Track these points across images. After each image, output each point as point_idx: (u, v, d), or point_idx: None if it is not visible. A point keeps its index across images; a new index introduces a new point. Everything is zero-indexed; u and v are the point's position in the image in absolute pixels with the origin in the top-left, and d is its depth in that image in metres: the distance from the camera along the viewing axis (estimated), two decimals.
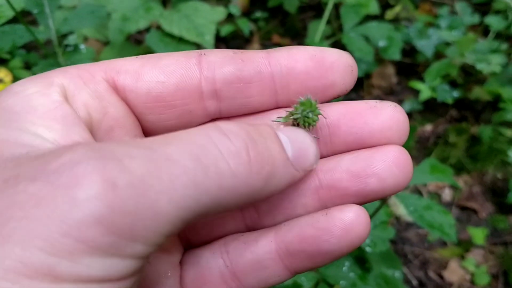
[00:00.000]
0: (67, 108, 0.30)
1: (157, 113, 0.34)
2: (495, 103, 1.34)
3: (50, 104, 0.29)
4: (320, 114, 0.34)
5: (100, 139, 0.32)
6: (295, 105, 0.33)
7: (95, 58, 1.28)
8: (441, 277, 1.18)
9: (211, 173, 0.25)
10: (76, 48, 1.05)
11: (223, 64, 0.34)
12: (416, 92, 1.44)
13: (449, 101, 1.39)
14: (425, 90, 1.39)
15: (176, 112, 0.34)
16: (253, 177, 0.27)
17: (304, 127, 0.34)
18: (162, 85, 0.33)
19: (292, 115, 0.34)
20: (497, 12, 1.49)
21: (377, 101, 0.34)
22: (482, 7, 1.61)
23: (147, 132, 0.35)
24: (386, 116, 0.33)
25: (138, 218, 0.23)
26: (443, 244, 1.24)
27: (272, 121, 0.35)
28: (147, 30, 1.35)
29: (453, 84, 1.43)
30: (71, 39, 1.11)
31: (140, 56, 0.34)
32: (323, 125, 0.35)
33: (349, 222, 0.33)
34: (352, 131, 0.34)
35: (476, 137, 1.35)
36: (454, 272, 1.17)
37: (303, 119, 0.33)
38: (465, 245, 1.22)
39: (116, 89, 0.33)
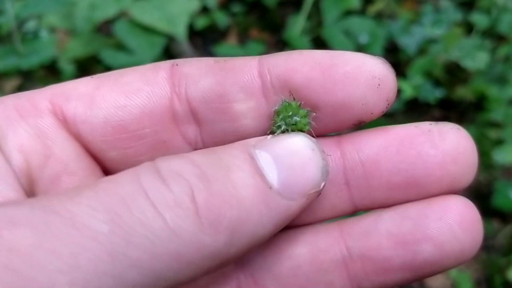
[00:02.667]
0: None
1: (121, 148, 0.25)
2: (479, 103, 1.31)
3: None
4: (308, 112, 0.24)
5: (43, 191, 0.24)
6: (274, 114, 0.25)
7: (59, 47, 1.21)
8: (422, 283, 1.14)
9: (138, 236, 0.18)
10: (36, 35, 0.98)
11: (199, 77, 0.25)
12: (399, 92, 1.39)
13: (432, 100, 1.35)
14: (407, 89, 1.35)
15: (146, 145, 0.25)
16: (206, 232, 0.19)
17: None
18: (123, 110, 0.25)
19: (278, 127, 0.25)
20: (482, 9, 1.46)
21: (432, 123, 0.25)
22: (466, 5, 1.58)
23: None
24: (450, 145, 0.24)
25: None
26: None
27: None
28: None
29: (437, 83, 1.39)
30: (31, 26, 1.04)
31: (98, 75, 0.26)
32: (354, 163, 0.25)
33: None
34: (400, 169, 0.25)
35: None
36: (436, 278, 1.14)
37: (291, 128, 0.24)
38: None
39: (65, 122, 0.25)
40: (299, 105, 0.25)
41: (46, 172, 0.24)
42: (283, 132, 0.25)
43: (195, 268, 0.19)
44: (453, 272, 1.13)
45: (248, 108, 0.25)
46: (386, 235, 0.25)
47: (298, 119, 0.24)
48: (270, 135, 0.25)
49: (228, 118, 0.26)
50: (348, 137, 0.26)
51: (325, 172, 0.23)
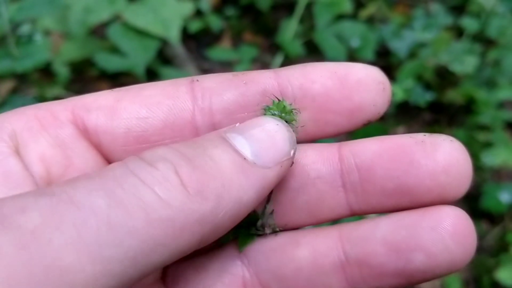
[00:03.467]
0: (12, 163, 0.23)
1: None
2: (469, 106, 1.32)
3: None
4: (293, 108, 0.27)
5: None
6: (263, 109, 0.27)
7: (53, 50, 1.22)
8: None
9: (132, 207, 0.19)
10: (30, 38, 0.99)
11: (222, 90, 0.27)
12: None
13: (423, 104, 1.37)
14: (398, 92, 1.36)
15: None
16: (194, 200, 0.21)
17: None
18: (145, 122, 0.26)
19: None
20: (472, 14, 1.48)
21: (426, 134, 0.26)
22: (457, 9, 1.60)
23: None
24: (442, 156, 0.25)
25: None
26: None
27: None
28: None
29: (427, 86, 1.40)
30: (25, 29, 1.05)
31: (118, 88, 0.28)
32: (351, 168, 0.27)
33: None
34: (393, 176, 0.26)
35: None
36: None
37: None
38: None
39: (87, 132, 0.26)
40: (289, 104, 0.27)
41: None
42: None
43: (189, 233, 0.21)
44: None
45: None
46: (381, 242, 0.26)
47: (284, 115, 0.27)
48: (238, 123, 0.27)
49: None
50: (348, 144, 0.28)
51: (293, 142, 0.26)
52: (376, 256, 0.27)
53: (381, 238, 0.27)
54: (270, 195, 0.28)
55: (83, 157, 0.26)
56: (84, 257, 0.18)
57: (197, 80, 0.27)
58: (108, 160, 0.27)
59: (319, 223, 0.29)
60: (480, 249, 1.20)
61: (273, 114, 0.27)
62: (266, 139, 0.25)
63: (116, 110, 0.26)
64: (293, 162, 0.27)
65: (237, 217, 0.24)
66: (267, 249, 0.29)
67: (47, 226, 0.18)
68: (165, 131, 0.27)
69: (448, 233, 0.25)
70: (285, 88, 0.27)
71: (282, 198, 0.29)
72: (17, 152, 0.24)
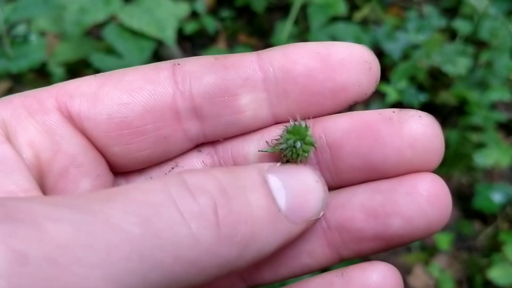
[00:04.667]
0: (6, 149, 0.24)
1: (124, 143, 0.27)
2: (461, 107, 1.33)
3: None
4: (312, 143, 0.26)
5: (53, 184, 0.26)
6: (282, 131, 0.26)
7: (48, 51, 1.22)
8: (405, 283, 1.16)
9: (165, 240, 0.19)
10: (25, 38, 0.99)
11: (202, 74, 0.27)
12: (383, 96, 1.42)
13: (416, 104, 1.38)
14: (391, 93, 1.37)
15: (148, 140, 0.27)
16: (223, 243, 0.21)
17: (294, 160, 0.26)
18: (126, 107, 0.26)
19: (279, 144, 0.26)
20: (465, 17, 1.49)
21: (395, 110, 0.26)
22: (450, 12, 1.61)
23: (115, 168, 0.28)
24: (408, 131, 0.25)
25: None
26: (408, 249, 1.21)
27: (259, 151, 0.28)
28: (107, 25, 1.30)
29: (420, 88, 1.42)
30: (21, 30, 1.05)
31: (100, 74, 0.28)
32: (323, 146, 0.27)
33: (371, 284, 0.25)
34: (360, 153, 0.26)
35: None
36: (418, 278, 1.15)
37: (291, 150, 0.26)
38: (429, 251, 1.20)
39: (71, 118, 0.27)
40: (308, 131, 0.26)
41: (55, 166, 0.26)
42: (281, 150, 0.26)
43: (207, 274, 0.21)
44: (436, 272, 1.15)
45: (249, 100, 0.27)
46: (359, 208, 0.27)
47: (300, 145, 0.26)
48: (280, 163, 0.26)
49: (231, 111, 0.28)
50: (321, 120, 0.27)
51: (326, 203, 0.26)
52: (354, 222, 0.27)
53: (359, 204, 0.27)
54: None
55: (71, 142, 0.27)
56: (109, 282, 0.18)
57: (179, 64, 0.28)
58: (94, 144, 0.27)
59: None
60: (472, 249, 1.21)
61: (292, 140, 0.26)
62: (303, 195, 0.25)
63: (98, 96, 0.27)
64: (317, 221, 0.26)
65: (252, 264, 0.23)
66: None
67: (79, 242, 0.18)
68: (146, 116, 0.27)
69: (423, 197, 0.26)
70: (266, 70, 0.27)
71: None
72: (8, 139, 0.25)
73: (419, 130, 0.26)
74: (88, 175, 0.27)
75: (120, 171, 0.28)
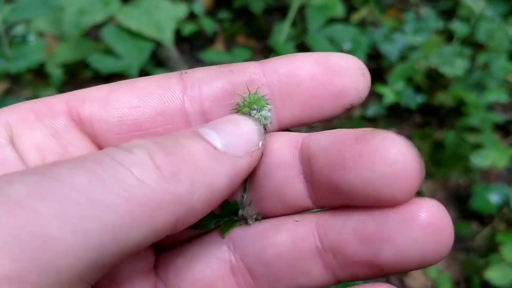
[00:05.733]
0: (9, 152, 0.25)
1: None
2: (459, 108, 1.34)
3: None
4: (266, 103, 0.28)
5: None
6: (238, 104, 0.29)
7: (47, 52, 1.22)
8: (403, 283, 1.16)
9: (111, 184, 0.21)
10: (24, 39, 0.99)
11: (211, 79, 0.28)
12: (381, 97, 1.42)
13: (413, 106, 1.38)
14: (389, 95, 1.38)
15: None
16: (169, 181, 0.22)
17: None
18: (137, 110, 0.27)
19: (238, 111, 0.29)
20: (462, 18, 1.50)
21: (366, 130, 0.25)
22: (447, 13, 1.62)
23: None
24: (370, 153, 0.24)
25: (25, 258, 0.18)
26: None
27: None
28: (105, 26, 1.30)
29: (418, 89, 1.42)
30: (19, 30, 1.06)
31: (111, 83, 0.29)
32: (305, 158, 0.28)
33: None
34: (328, 173, 0.26)
35: (440, 142, 1.34)
36: (416, 279, 1.15)
37: (244, 102, 0.29)
38: None
39: (81, 122, 0.27)
40: (261, 98, 0.29)
41: None
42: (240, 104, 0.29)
43: (165, 213, 0.22)
44: (433, 273, 1.15)
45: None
46: (352, 232, 0.26)
47: (255, 103, 0.29)
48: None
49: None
50: (310, 134, 0.29)
51: (260, 134, 0.28)
52: (347, 246, 0.26)
53: (352, 228, 0.26)
54: (245, 185, 0.30)
55: (78, 146, 0.27)
56: (66, 227, 0.19)
57: (186, 72, 0.29)
58: (101, 148, 0.28)
59: (291, 211, 0.30)
60: (470, 250, 1.22)
61: (246, 104, 0.29)
62: (236, 132, 0.27)
63: (109, 100, 0.28)
64: (262, 154, 0.28)
65: (211, 201, 0.25)
66: (250, 235, 0.30)
67: (32, 197, 0.19)
68: (157, 118, 0.28)
69: (419, 226, 0.24)
70: (270, 75, 0.29)
71: (252, 184, 0.30)
72: (12, 142, 0.25)
73: (385, 153, 0.23)
74: None
75: None
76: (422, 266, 0.25)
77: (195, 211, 0.24)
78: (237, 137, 0.27)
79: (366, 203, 0.25)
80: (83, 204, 0.20)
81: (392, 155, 0.23)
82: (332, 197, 0.27)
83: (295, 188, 0.29)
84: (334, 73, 0.28)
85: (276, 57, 0.30)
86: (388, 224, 0.25)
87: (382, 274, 0.26)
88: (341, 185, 0.25)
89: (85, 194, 0.20)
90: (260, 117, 0.29)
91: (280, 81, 0.29)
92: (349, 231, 0.26)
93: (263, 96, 0.29)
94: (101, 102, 0.28)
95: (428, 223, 0.24)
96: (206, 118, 0.29)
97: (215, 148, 0.25)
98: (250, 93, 0.29)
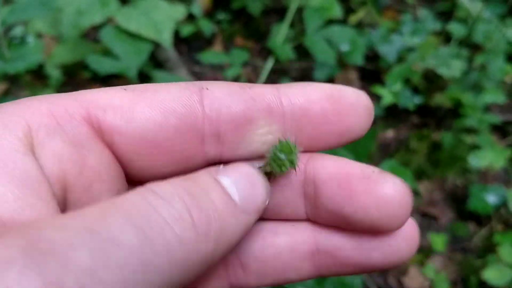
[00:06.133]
0: (30, 163, 0.23)
1: (150, 160, 0.28)
2: (456, 110, 1.34)
3: (6, 157, 0.23)
4: (294, 161, 0.28)
5: (76, 199, 0.26)
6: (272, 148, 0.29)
7: (45, 53, 1.22)
8: (401, 283, 1.16)
9: (159, 246, 0.21)
10: (22, 40, 0.99)
11: (231, 102, 0.28)
12: (379, 99, 1.43)
13: (411, 107, 1.39)
14: (387, 96, 1.38)
15: (172, 159, 0.28)
16: (201, 240, 0.23)
17: (275, 172, 0.29)
18: (160, 127, 0.27)
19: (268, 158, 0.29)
20: (459, 20, 1.51)
21: (375, 170, 0.28)
22: (444, 15, 1.63)
23: (131, 180, 0.29)
24: (379, 194, 0.27)
25: None
26: None
27: (259, 167, 0.30)
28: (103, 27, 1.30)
29: (415, 90, 1.43)
30: (18, 31, 1.06)
31: (129, 87, 0.28)
32: (310, 181, 0.29)
33: None
34: (335, 201, 0.28)
35: (437, 143, 1.34)
36: (413, 279, 1.16)
37: (276, 161, 0.28)
38: (425, 252, 1.20)
39: (101, 131, 0.27)
40: (295, 151, 0.29)
41: (80, 181, 0.26)
42: (272, 162, 0.29)
43: (194, 271, 0.23)
44: (431, 273, 1.15)
45: (268, 131, 0.29)
46: (349, 239, 0.30)
47: (283, 158, 0.28)
48: (222, 165, 0.29)
49: (250, 139, 0.29)
50: (316, 157, 0.30)
51: (268, 192, 0.29)
52: (343, 251, 0.30)
53: (350, 235, 0.29)
54: None
55: (98, 156, 0.27)
56: None
57: (207, 89, 0.28)
58: (119, 160, 0.28)
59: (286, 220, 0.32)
60: (467, 250, 1.22)
61: (280, 154, 0.28)
62: (251, 185, 0.28)
63: (133, 113, 0.27)
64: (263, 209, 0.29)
65: (223, 257, 0.26)
66: (250, 234, 0.31)
67: (98, 265, 0.19)
68: (176, 137, 0.28)
69: (403, 239, 0.29)
70: (287, 105, 0.29)
71: None
72: (32, 151, 0.24)
73: (389, 194, 0.28)
74: (110, 190, 0.27)
75: (133, 181, 0.29)
76: (396, 265, 0.30)
77: (212, 265, 0.24)
78: (251, 196, 0.27)
79: (362, 230, 0.29)
80: (138, 271, 0.20)
81: (393, 196, 0.28)
82: (331, 219, 0.29)
83: (295, 206, 0.30)
84: (345, 112, 0.29)
85: (292, 84, 0.30)
86: (379, 236, 0.29)
87: (363, 272, 0.30)
88: (344, 213, 0.28)
89: (140, 259, 0.20)
90: (287, 162, 0.29)
91: (293, 112, 0.29)
92: (347, 235, 0.30)
93: (294, 147, 0.29)
94: (124, 114, 0.27)
95: (409, 234, 0.29)
96: (220, 139, 0.29)
97: (235, 204, 0.26)
98: (282, 142, 0.29)
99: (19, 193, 0.22)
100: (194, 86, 0.29)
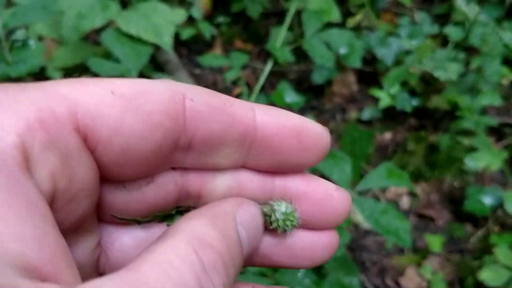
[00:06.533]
0: (28, 184, 0.21)
1: (125, 169, 0.27)
2: (453, 112, 1.35)
3: (4, 178, 0.21)
4: (297, 220, 0.31)
5: (60, 207, 0.25)
6: (272, 203, 0.31)
7: (47, 55, 1.24)
8: (398, 284, 1.17)
9: None
10: (24, 43, 1.00)
11: (211, 121, 0.28)
12: (377, 101, 1.44)
13: (408, 109, 1.40)
14: (384, 98, 1.40)
15: (145, 168, 0.28)
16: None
17: (278, 228, 0.31)
18: (145, 142, 0.26)
19: (270, 214, 0.31)
20: (456, 23, 1.52)
21: (335, 188, 0.32)
22: (441, 18, 1.64)
23: (102, 178, 0.28)
24: (339, 209, 0.32)
25: None
26: (401, 251, 1.23)
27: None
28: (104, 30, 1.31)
29: (413, 93, 1.44)
30: (20, 34, 1.07)
31: (118, 90, 0.26)
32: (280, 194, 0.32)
33: None
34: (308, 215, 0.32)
35: (435, 145, 1.36)
36: (411, 280, 1.17)
37: (276, 222, 0.31)
38: (422, 253, 1.21)
39: (86, 139, 0.25)
40: (295, 215, 0.31)
41: (68, 193, 0.25)
42: (271, 219, 0.31)
43: None
44: (428, 274, 1.17)
45: (234, 150, 0.30)
46: (286, 248, 0.33)
47: (289, 222, 0.31)
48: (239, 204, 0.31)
49: (216, 155, 0.30)
50: (283, 175, 0.32)
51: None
52: (278, 257, 0.32)
53: (287, 245, 0.32)
54: None
55: (85, 168, 0.26)
56: None
57: (191, 100, 0.28)
58: (99, 166, 0.27)
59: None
60: (464, 251, 1.23)
61: (277, 214, 0.31)
62: (256, 236, 0.30)
63: (121, 125, 0.26)
64: None
65: None
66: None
67: None
68: (156, 149, 0.27)
69: (327, 248, 0.32)
70: (259, 131, 0.30)
71: None
72: (28, 169, 0.22)
73: (346, 209, 0.32)
74: (90, 196, 0.27)
75: (102, 180, 0.28)
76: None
77: None
78: (255, 242, 0.30)
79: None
80: None
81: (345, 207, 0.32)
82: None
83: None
84: (306, 150, 0.30)
85: (268, 110, 0.30)
86: (314, 250, 0.33)
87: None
88: (315, 223, 0.32)
89: None
90: (284, 219, 0.31)
91: (262, 140, 0.30)
92: (285, 246, 0.32)
93: (296, 209, 0.31)
94: (112, 126, 0.25)
95: (331, 244, 0.32)
96: (189, 150, 0.29)
97: (243, 253, 0.28)
98: (283, 204, 0.31)
99: (22, 213, 0.21)
100: (179, 93, 0.28)
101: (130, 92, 0.27)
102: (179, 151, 0.28)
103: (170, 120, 0.27)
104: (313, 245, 0.32)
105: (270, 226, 0.31)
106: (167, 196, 0.30)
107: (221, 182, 0.31)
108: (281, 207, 0.31)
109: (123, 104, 0.26)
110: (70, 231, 0.27)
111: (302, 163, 0.31)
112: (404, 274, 1.18)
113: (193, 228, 0.26)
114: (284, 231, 0.31)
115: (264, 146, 0.30)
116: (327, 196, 0.32)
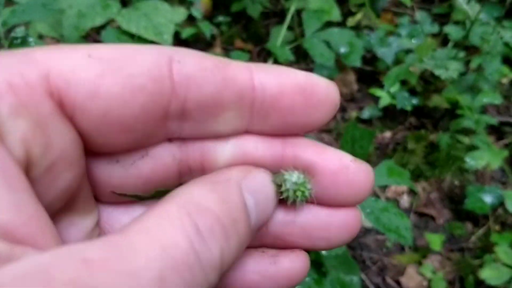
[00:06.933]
0: (3, 153, 0.21)
1: (110, 137, 0.26)
2: (453, 111, 1.35)
3: None
4: (309, 191, 0.28)
5: (37, 177, 0.24)
6: (284, 174, 0.28)
7: None
8: (398, 283, 1.17)
9: None
10: (23, 40, 1.00)
11: (202, 82, 0.26)
12: (377, 100, 1.44)
13: (409, 108, 1.40)
14: (385, 97, 1.40)
15: (132, 137, 0.26)
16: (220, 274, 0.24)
17: (289, 199, 0.29)
18: (125, 106, 0.24)
19: (281, 184, 0.29)
20: (456, 22, 1.52)
21: (352, 159, 0.29)
22: (442, 17, 1.64)
23: (89, 150, 0.27)
24: (357, 183, 0.29)
25: None
26: (401, 250, 1.23)
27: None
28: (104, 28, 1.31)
29: (413, 92, 1.44)
30: (19, 32, 1.07)
31: (95, 53, 0.24)
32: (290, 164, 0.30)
33: (297, 272, 0.29)
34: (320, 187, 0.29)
35: (435, 144, 1.36)
36: (411, 278, 1.17)
37: (293, 192, 0.28)
38: (422, 252, 1.21)
39: (62, 105, 0.24)
40: (308, 185, 0.29)
41: (44, 161, 0.24)
42: (282, 189, 0.29)
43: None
44: (428, 273, 1.16)
45: (234, 115, 0.28)
46: (300, 228, 0.30)
47: (303, 191, 0.29)
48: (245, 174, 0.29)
49: (214, 120, 0.28)
50: (292, 143, 0.30)
51: (275, 208, 0.30)
52: (291, 236, 0.30)
53: (301, 225, 0.30)
54: None
55: (61, 135, 0.24)
56: None
57: (179, 62, 0.26)
58: (78, 132, 0.26)
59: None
60: (464, 250, 1.23)
61: (287, 183, 0.29)
62: (267, 208, 0.28)
63: (98, 88, 0.24)
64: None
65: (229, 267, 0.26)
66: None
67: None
68: (141, 115, 0.25)
69: (346, 228, 0.30)
70: (258, 91, 0.28)
71: None
72: (1, 138, 0.22)
73: (368, 183, 0.29)
74: (71, 168, 0.25)
75: (90, 153, 0.27)
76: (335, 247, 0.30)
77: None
78: (265, 214, 0.28)
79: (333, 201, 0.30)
80: None
81: (370, 183, 0.30)
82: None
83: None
84: (313, 107, 0.28)
85: (267, 68, 0.28)
86: (330, 228, 0.30)
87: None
88: (329, 198, 0.29)
89: None
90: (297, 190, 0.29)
91: (264, 100, 0.28)
92: (298, 225, 0.30)
93: (309, 180, 0.29)
94: (89, 89, 0.24)
95: (352, 224, 0.30)
96: (183, 117, 0.27)
97: (250, 226, 0.26)
98: (295, 173, 0.29)
99: (9, 196, 0.20)
100: (165, 56, 0.26)
101: (109, 55, 0.25)
102: (173, 120, 0.27)
103: (155, 83, 0.25)
104: (329, 224, 0.30)
105: (280, 197, 0.29)
106: (166, 170, 0.29)
107: (224, 151, 0.29)
108: (293, 177, 0.28)
109: (100, 67, 0.24)
110: (62, 209, 0.26)
111: (310, 122, 0.29)
112: (404, 273, 1.18)
113: (189, 193, 0.24)
114: (294, 202, 0.28)
115: (267, 108, 0.28)
116: (342, 167, 0.29)
